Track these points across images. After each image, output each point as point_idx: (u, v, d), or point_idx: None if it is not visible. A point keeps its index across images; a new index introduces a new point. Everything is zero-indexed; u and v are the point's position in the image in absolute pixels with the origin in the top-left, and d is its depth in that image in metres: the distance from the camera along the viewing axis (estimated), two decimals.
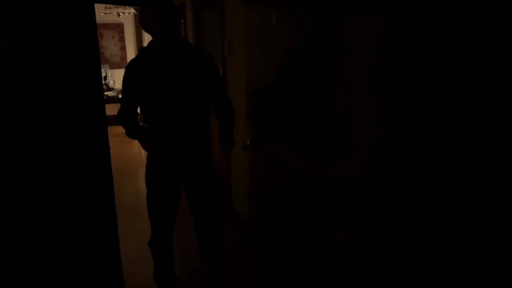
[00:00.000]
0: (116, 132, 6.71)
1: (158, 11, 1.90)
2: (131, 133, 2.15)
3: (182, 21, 4.51)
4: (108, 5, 5.93)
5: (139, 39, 7.63)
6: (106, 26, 7.30)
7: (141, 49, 2.07)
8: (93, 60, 1.56)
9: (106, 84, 7.03)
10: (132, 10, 6.60)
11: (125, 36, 7.53)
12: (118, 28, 7.44)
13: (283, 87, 2.02)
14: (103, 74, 6.94)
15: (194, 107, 2.02)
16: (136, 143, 6.38)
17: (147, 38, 7.63)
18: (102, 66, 6.70)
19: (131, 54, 7.65)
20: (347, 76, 0.93)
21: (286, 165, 1.06)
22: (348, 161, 0.89)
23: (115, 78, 7.43)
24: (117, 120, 2.19)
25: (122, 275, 1.79)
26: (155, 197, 2.20)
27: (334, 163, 0.94)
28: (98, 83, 1.60)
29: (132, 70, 2.06)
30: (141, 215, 3.80)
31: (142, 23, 1.99)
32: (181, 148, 2.07)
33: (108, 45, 7.48)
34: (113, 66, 7.52)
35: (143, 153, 5.97)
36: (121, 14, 6.54)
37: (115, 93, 6.88)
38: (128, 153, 5.77)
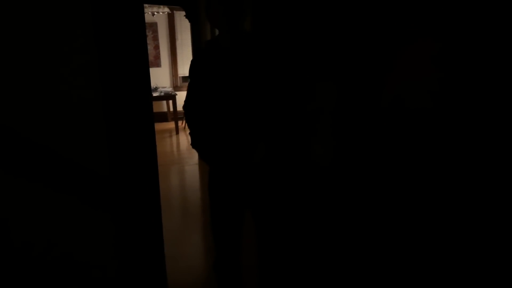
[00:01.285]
0: None
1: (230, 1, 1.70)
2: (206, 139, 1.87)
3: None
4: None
5: (172, 38, 7.72)
6: None
7: (207, 43, 1.90)
8: (141, 60, 1.59)
9: None
10: (166, 9, 6.68)
11: (158, 36, 7.62)
12: (152, 27, 7.55)
13: None
14: None
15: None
16: (168, 140, 6.45)
17: (180, 37, 7.71)
18: None
19: (164, 53, 7.74)
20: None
21: None
22: None
23: None
24: (184, 109, 1.92)
25: (165, 271, 1.79)
26: (222, 215, 1.91)
27: None
28: (146, 83, 1.62)
29: (199, 68, 1.87)
30: (173, 212, 3.81)
31: (207, 11, 1.81)
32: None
33: None
34: None
35: (176, 151, 6.01)
36: (155, 13, 6.62)
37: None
38: (161, 150, 5.82)
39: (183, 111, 1.93)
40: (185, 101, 1.91)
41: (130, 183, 1.60)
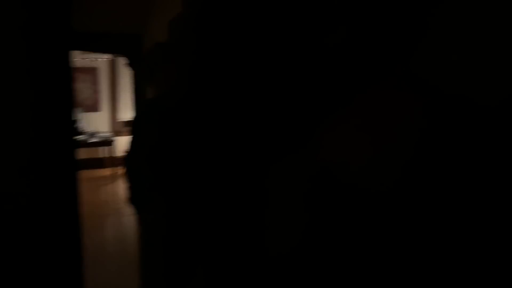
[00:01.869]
0: (84, 177, 6.51)
1: (171, 60, 1.82)
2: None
3: None
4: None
5: (112, 83, 7.60)
6: (80, 70, 7.26)
7: (152, 100, 1.97)
8: (66, 104, 1.53)
9: (78, 128, 6.87)
10: (108, 56, 6.63)
11: (99, 81, 7.48)
12: (93, 72, 7.40)
13: None
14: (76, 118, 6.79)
15: None
16: (104, 188, 6.16)
17: (121, 82, 7.62)
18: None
19: (104, 98, 7.57)
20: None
21: None
22: None
23: (87, 122, 7.29)
24: (127, 167, 1.89)
25: None
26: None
27: None
28: (70, 127, 1.55)
29: (143, 124, 1.90)
30: (106, 265, 3.58)
31: (149, 75, 1.88)
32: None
33: (82, 88, 7.40)
34: (86, 109, 7.41)
35: (112, 200, 5.74)
36: (96, 59, 6.54)
37: (86, 137, 6.72)
38: (96, 200, 5.53)
39: (124, 164, 1.88)
40: (126, 157, 1.88)
41: (48, 232, 1.49)
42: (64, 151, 1.53)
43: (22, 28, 1.40)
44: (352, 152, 0.83)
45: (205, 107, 1.86)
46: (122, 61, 7.08)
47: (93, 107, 7.47)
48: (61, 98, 1.50)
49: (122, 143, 6.44)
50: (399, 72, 0.83)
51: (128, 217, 4.86)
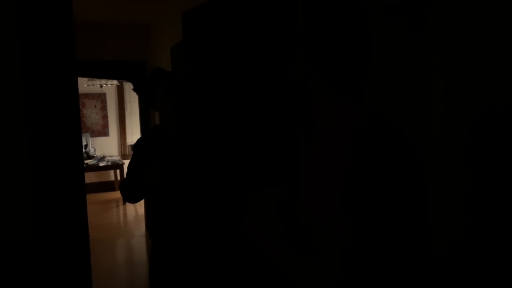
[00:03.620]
0: (94, 200, 6.61)
1: (172, 88, 1.82)
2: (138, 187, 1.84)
3: None
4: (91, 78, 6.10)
5: (121, 108, 7.78)
6: (88, 96, 7.45)
7: (154, 127, 1.98)
8: (74, 131, 1.60)
9: (87, 152, 7.01)
10: (115, 82, 6.81)
11: (107, 106, 7.67)
12: (100, 97, 7.60)
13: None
14: (84, 143, 6.94)
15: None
16: (114, 211, 6.25)
17: (129, 107, 7.79)
18: (83, 134, 6.73)
19: (112, 122, 7.74)
20: (320, 162, 0.89)
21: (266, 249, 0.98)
22: (313, 260, 0.83)
23: (95, 146, 7.43)
24: (121, 188, 1.91)
25: None
26: None
27: (303, 260, 0.86)
28: (78, 152, 1.63)
29: (144, 146, 1.92)
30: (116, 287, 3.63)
31: (151, 102, 1.89)
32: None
33: (90, 113, 7.58)
34: (94, 134, 7.56)
35: (122, 222, 5.82)
36: (104, 85, 6.73)
37: (95, 161, 6.85)
38: (106, 222, 5.61)
39: (120, 190, 1.92)
40: (123, 181, 1.92)
41: (57, 256, 1.54)
42: (72, 175, 1.60)
43: (29, 58, 1.50)
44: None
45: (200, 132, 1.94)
46: (129, 86, 7.26)
47: (102, 132, 7.64)
48: (68, 123, 1.58)
49: None
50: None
51: (138, 238, 4.92)
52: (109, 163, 6.84)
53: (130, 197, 1.88)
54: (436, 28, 1.15)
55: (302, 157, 1.79)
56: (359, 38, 0.92)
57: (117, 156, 7.51)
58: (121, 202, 6.56)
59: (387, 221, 0.85)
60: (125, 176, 1.94)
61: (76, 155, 1.62)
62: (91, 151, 7.18)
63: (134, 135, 7.70)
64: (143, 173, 1.76)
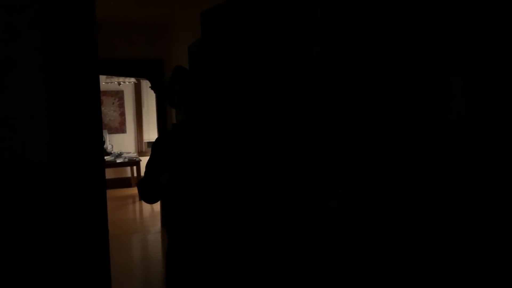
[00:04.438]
0: (111, 196, 6.70)
1: (191, 87, 1.82)
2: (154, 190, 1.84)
3: None
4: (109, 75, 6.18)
5: (138, 106, 7.87)
6: (106, 93, 7.56)
7: (173, 126, 1.98)
8: (95, 128, 1.63)
9: (104, 149, 7.12)
10: (133, 79, 6.88)
11: (124, 103, 7.76)
12: (118, 95, 7.70)
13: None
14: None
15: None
16: (131, 207, 6.33)
17: (146, 104, 7.88)
18: None
19: (130, 120, 7.83)
20: (359, 167, 0.89)
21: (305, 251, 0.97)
22: (353, 265, 0.83)
23: (113, 143, 7.54)
24: (138, 187, 1.93)
25: None
26: None
27: (343, 264, 0.86)
28: (99, 150, 1.65)
29: (163, 146, 1.92)
30: (134, 284, 3.67)
31: (170, 100, 1.89)
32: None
33: (108, 111, 7.69)
34: (112, 131, 7.67)
35: (138, 218, 5.89)
36: (121, 83, 6.81)
37: (113, 158, 6.95)
38: (122, 218, 5.69)
39: (137, 189, 1.95)
40: (140, 180, 1.93)
41: (78, 250, 1.56)
42: (93, 171, 1.63)
43: (54, 58, 1.53)
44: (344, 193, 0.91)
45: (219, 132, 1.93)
46: (147, 84, 7.34)
47: (119, 129, 7.74)
48: (90, 120, 1.61)
49: None
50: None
51: (154, 234, 4.98)
52: (126, 160, 6.93)
53: (146, 199, 1.90)
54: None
55: (320, 155, 1.78)
56: (386, 35, 0.90)
57: (134, 153, 7.61)
58: (137, 198, 6.65)
59: (427, 228, 0.83)
60: (142, 174, 1.95)
61: (98, 152, 1.65)
62: (109, 148, 7.29)
63: (151, 132, 7.78)
64: (157, 180, 1.75)
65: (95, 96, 1.62)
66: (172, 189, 1.71)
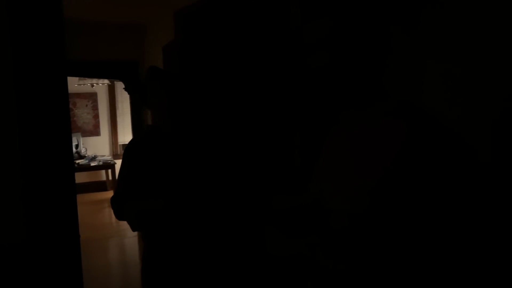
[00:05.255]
0: (86, 200, 6.56)
1: (166, 86, 1.76)
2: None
3: None
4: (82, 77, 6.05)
5: (112, 108, 7.73)
6: (80, 95, 7.40)
7: (148, 127, 1.91)
8: (64, 130, 1.59)
9: (78, 152, 6.96)
10: (106, 81, 6.76)
11: (98, 105, 7.62)
12: (92, 97, 7.54)
13: None
14: (75, 142, 6.89)
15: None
16: (107, 211, 6.21)
17: (120, 106, 7.75)
18: (74, 134, 6.67)
19: (104, 122, 7.69)
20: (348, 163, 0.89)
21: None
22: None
23: (87, 146, 7.38)
24: (112, 204, 1.82)
25: None
26: None
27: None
28: (68, 152, 1.61)
29: (137, 150, 1.84)
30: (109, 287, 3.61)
31: (145, 101, 1.83)
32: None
33: (81, 113, 7.52)
34: (86, 134, 7.51)
35: (115, 222, 5.79)
36: (95, 84, 6.68)
37: (87, 161, 6.80)
38: (99, 222, 5.58)
39: (111, 205, 1.82)
40: (113, 196, 1.83)
41: (48, 257, 1.52)
42: (63, 175, 1.59)
43: (20, 57, 1.49)
44: (337, 181, 0.91)
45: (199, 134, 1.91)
46: (121, 86, 7.22)
47: (93, 132, 7.59)
48: (58, 121, 1.57)
49: None
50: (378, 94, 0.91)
51: (130, 238, 4.90)
52: (101, 163, 6.80)
53: (119, 217, 1.81)
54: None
55: (298, 158, 1.79)
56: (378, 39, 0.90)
57: (108, 156, 7.47)
58: None
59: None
60: (117, 178, 1.88)
61: (67, 154, 1.61)
62: (83, 151, 7.13)
63: (126, 134, 7.66)
64: (123, 207, 1.72)
65: (63, 97, 1.59)
66: (138, 221, 1.72)
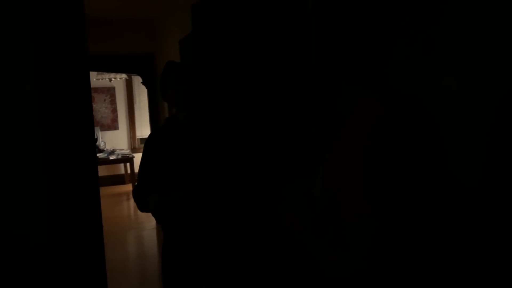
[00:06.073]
0: (104, 194, 6.67)
1: (183, 78, 1.78)
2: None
3: None
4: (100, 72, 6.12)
5: (130, 102, 7.81)
6: (98, 90, 7.49)
7: (166, 120, 1.93)
8: (87, 125, 1.61)
9: (97, 146, 7.06)
10: (124, 75, 6.83)
11: (116, 99, 7.70)
12: (110, 91, 7.63)
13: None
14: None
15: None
16: (125, 204, 6.31)
17: (138, 100, 7.82)
18: None
19: (122, 116, 7.78)
20: (341, 153, 0.88)
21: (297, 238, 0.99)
22: (338, 250, 0.83)
23: (106, 140, 7.49)
24: (134, 196, 1.90)
25: None
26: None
27: (328, 249, 0.87)
28: (91, 147, 1.64)
29: (155, 143, 1.88)
30: (129, 279, 3.67)
31: (163, 93, 1.85)
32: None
33: (100, 108, 7.62)
34: (104, 128, 7.62)
35: (133, 215, 5.87)
36: (112, 79, 6.75)
37: (106, 155, 6.90)
38: (117, 215, 5.67)
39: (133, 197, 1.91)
40: (135, 188, 1.89)
41: (72, 249, 1.56)
42: (86, 168, 1.61)
43: (43, 53, 1.51)
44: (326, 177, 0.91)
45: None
46: (138, 80, 7.29)
47: (111, 126, 7.68)
48: (81, 117, 1.59)
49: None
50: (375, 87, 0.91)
51: (149, 231, 4.97)
52: (119, 157, 6.89)
53: (142, 209, 1.87)
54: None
55: (314, 148, 1.78)
56: (380, 26, 0.89)
57: (127, 150, 7.56)
58: (131, 195, 6.62)
59: (413, 213, 0.83)
60: (136, 171, 1.93)
61: (89, 149, 1.63)
62: (101, 145, 7.24)
63: (143, 128, 7.74)
64: (146, 200, 1.78)
65: (85, 92, 1.61)
66: (159, 212, 1.76)
